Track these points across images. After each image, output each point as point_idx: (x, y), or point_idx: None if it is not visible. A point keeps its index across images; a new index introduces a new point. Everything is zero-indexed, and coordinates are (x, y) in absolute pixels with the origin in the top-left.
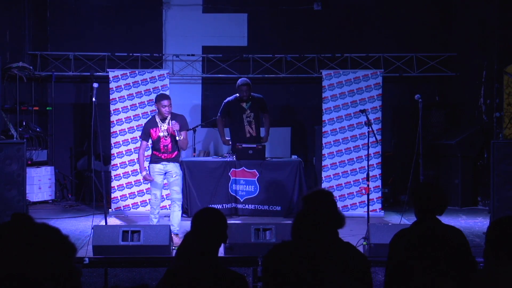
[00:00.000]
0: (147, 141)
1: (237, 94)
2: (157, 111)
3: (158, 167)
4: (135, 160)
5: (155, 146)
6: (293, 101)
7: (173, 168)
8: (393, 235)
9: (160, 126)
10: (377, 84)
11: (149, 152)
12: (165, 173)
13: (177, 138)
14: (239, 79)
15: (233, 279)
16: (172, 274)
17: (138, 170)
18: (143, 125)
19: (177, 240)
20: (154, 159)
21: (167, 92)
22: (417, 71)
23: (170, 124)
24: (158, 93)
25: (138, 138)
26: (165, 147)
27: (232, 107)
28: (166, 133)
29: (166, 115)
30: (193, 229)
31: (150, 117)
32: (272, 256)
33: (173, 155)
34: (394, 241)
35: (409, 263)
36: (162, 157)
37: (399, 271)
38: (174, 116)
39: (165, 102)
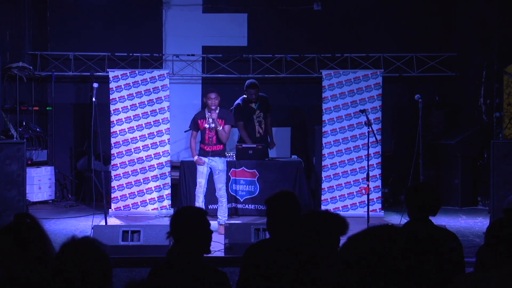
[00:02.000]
0: (196, 131)
1: (244, 96)
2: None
3: (203, 159)
4: (135, 160)
5: (201, 137)
6: (293, 101)
7: (218, 164)
8: None
9: (208, 118)
10: (377, 84)
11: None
12: (210, 168)
13: (218, 128)
14: (247, 81)
15: (215, 275)
16: (155, 273)
17: (156, 165)
18: (194, 115)
19: (222, 230)
20: (200, 153)
21: (167, 92)
22: (417, 71)
23: (216, 124)
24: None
25: (156, 133)
26: (210, 139)
27: (244, 109)
28: (212, 125)
29: (213, 107)
30: (171, 229)
31: (201, 109)
32: (252, 251)
33: (218, 148)
34: None
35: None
36: (207, 149)
37: None
38: (221, 112)
39: (212, 95)
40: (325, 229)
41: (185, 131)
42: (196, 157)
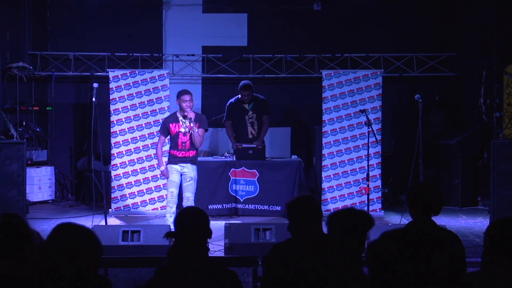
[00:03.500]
0: (166, 136)
1: (239, 96)
2: (178, 107)
3: (175, 167)
4: (135, 160)
5: (173, 143)
6: (293, 101)
7: (189, 171)
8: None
9: (181, 122)
10: (377, 84)
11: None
12: (181, 174)
13: (194, 130)
14: (241, 82)
15: (224, 275)
16: (161, 274)
17: (155, 166)
18: (162, 120)
19: None
20: (171, 160)
21: (167, 92)
22: (417, 71)
23: (192, 124)
24: (180, 90)
25: (156, 133)
26: (183, 144)
27: (235, 108)
28: (186, 130)
29: (188, 110)
30: (176, 229)
31: (171, 113)
32: (274, 257)
33: (190, 154)
34: None
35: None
36: (179, 155)
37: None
38: (197, 116)
39: (186, 97)
40: (351, 225)
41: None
42: (163, 167)
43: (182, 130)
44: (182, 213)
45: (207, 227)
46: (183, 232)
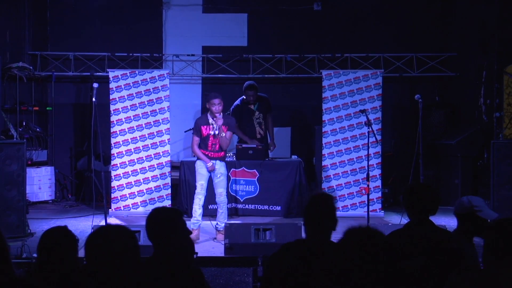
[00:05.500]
0: (199, 137)
1: (243, 97)
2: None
3: (204, 163)
4: (135, 160)
5: (203, 143)
6: (293, 101)
7: (218, 167)
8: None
9: (212, 125)
10: (377, 84)
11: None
12: (212, 171)
13: (221, 135)
14: (246, 82)
15: (189, 272)
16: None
17: (156, 166)
18: (195, 121)
19: (220, 237)
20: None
21: (167, 92)
22: (417, 71)
23: (220, 127)
24: (210, 93)
25: (156, 133)
26: (213, 146)
27: (242, 110)
28: (216, 132)
29: (217, 116)
30: (147, 233)
31: (202, 114)
32: (276, 258)
33: (220, 155)
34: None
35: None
36: (209, 155)
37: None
38: (225, 118)
39: (216, 101)
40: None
41: (185, 131)
42: (210, 163)
43: (212, 132)
44: (151, 216)
45: (164, 228)
46: (151, 235)
